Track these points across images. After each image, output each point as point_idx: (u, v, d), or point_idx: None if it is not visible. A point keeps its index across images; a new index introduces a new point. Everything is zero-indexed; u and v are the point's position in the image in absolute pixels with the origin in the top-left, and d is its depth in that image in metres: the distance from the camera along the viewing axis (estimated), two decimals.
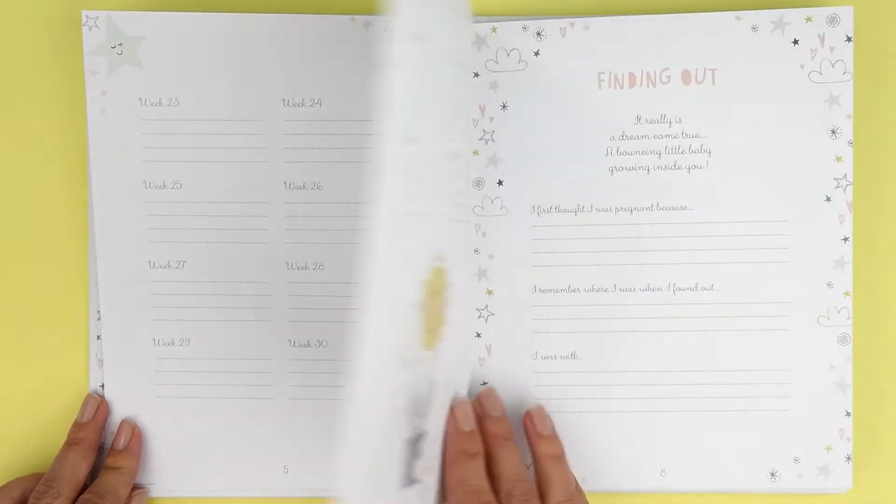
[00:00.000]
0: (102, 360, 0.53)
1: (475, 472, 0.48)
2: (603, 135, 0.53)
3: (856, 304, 0.53)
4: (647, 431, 0.53)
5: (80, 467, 0.51)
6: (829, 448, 0.52)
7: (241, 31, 0.52)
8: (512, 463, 0.49)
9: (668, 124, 0.52)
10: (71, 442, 0.52)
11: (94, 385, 0.54)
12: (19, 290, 0.55)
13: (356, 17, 0.52)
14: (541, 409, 0.52)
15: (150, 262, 0.53)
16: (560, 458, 0.50)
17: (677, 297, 0.53)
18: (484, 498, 0.47)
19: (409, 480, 0.45)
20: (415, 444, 0.45)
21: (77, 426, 0.52)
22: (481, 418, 0.51)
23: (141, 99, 0.52)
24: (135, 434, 0.53)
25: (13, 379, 0.55)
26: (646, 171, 0.53)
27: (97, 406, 0.53)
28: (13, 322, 0.55)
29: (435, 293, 0.46)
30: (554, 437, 0.51)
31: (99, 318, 0.53)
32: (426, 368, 0.46)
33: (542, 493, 0.49)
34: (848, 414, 0.52)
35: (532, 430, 0.51)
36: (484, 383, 0.53)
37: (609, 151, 0.53)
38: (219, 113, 0.52)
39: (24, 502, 0.51)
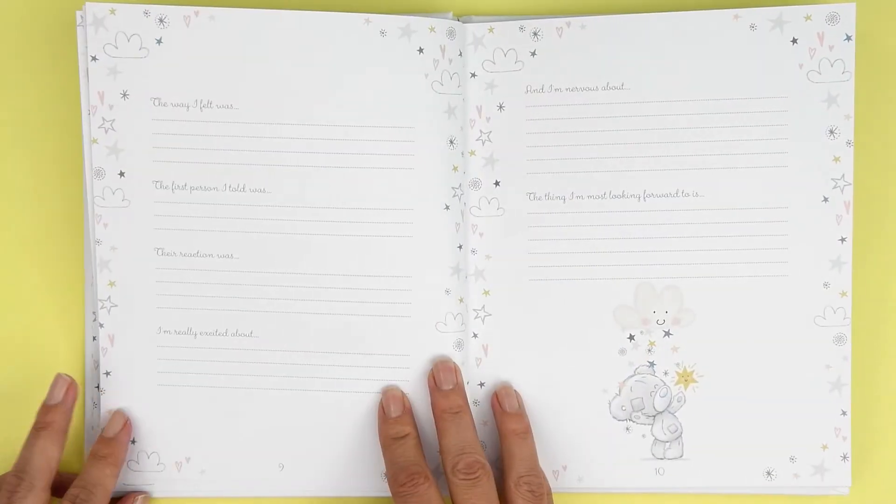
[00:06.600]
0: (98, 362, 0.53)
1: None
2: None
3: (855, 305, 0.52)
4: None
5: (51, 454, 0.49)
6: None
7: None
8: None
9: None
10: (39, 426, 0.49)
11: (91, 386, 0.53)
12: (16, 291, 0.54)
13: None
14: (507, 388, 0.53)
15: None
16: (524, 434, 0.51)
17: None
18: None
19: None
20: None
21: (45, 409, 0.50)
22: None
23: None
24: (126, 424, 0.52)
25: (10, 380, 0.54)
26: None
27: (66, 387, 0.51)
28: (10, 322, 0.54)
29: None
30: (519, 415, 0.52)
31: (95, 320, 0.53)
32: None
33: (504, 468, 0.50)
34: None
35: (498, 408, 0.52)
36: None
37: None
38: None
39: None
